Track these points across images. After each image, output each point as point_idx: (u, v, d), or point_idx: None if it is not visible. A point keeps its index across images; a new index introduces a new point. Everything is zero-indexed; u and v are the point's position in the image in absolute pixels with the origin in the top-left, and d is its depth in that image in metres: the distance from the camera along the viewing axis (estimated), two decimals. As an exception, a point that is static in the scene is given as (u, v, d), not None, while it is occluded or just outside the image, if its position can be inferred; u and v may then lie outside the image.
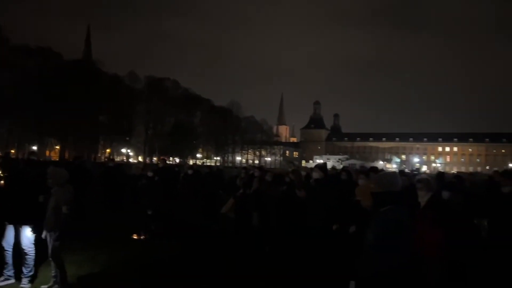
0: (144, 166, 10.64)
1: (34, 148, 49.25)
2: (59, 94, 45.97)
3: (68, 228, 5.36)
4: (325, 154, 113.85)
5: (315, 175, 6.09)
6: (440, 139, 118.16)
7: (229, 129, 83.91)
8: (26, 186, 5.59)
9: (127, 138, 66.46)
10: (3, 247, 5.57)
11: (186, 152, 74.13)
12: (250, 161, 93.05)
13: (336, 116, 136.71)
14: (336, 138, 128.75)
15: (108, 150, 68.97)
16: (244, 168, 9.79)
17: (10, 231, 5.58)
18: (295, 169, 7.97)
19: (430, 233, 3.99)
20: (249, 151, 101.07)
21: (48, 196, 5.40)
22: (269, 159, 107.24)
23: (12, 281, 5.54)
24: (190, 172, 10.06)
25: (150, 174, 8.98)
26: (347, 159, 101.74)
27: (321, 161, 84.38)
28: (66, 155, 53.45)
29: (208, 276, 6.06)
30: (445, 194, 5.77)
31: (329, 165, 13.54)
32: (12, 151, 43.20)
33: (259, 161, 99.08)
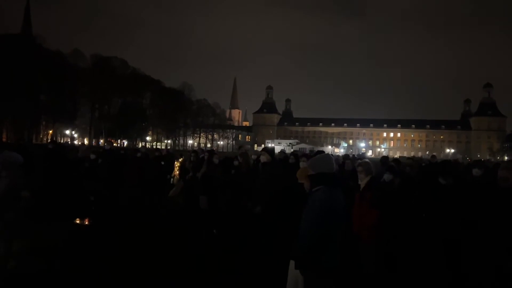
0: (86, 148, 10.21)
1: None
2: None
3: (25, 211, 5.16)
4: (277, 138, 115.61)
5: (263, 158, 6.14)
6: (385, 125, 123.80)
7: (181, 111, 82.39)
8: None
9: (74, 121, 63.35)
10: None
11: (135, 134, 71.99)
12: (202, 145, 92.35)
13: (287, 101, 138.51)
14: (287, 123, 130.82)
15: (50, 132, 65.34)
16: (194, 151, 9.67)
17: None
18: (243, 151, 7.98)
19: (366, 215, 4.20)
20: (201, 134, 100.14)
21: None
22: (221, 142, 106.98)
23: None
24: (138, 155, 9.80)
25: (93, 156, 8.64)
26: (298, 143, 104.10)
27: (272, 145, 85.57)
28: (4, 136, 49.94)
29: (152, 260, 5.99)
30: (387, 177, 6.08)
31: (281, 149, 13.81)
32: None
33: (211, 144, 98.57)
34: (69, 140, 68.56)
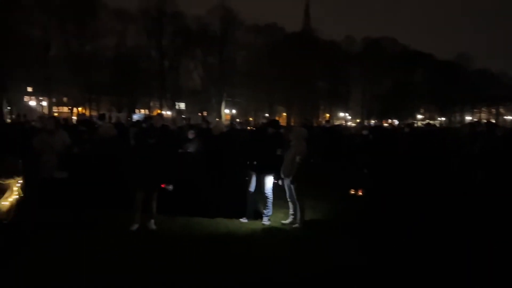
0: (360, 126, 11.02)
1: (266, 115, 56.49)
2: (284, 66, 50.97)
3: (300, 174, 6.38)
4: None
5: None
6: None
7: (456, 85, 74.54)
8: (267, 142, 6.88)
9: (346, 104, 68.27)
10: (249, 192, 6.97)
11: (405, 113, 70.45)
12: (484, 121, 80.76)
13: None
14: None
15: (327, 115, 72.50)
16: (470, 124, 8.89)
17: (254, 179, 6.94)
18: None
19: None
20: (482, 109, 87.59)
21: (285, 149, 6.63)
22: (510, 117, 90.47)
23: (252, 220, 6.91)
24: (406, 130, 9.88)
25: (365, 132, 9.30)
26: None
27: None
28: (292, 120, 59.09)
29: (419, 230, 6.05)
30: None
31: None
32: (251, 118, 50.79)
33: (496, 120, 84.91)
34: (343, 121, 74.07)
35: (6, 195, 4.19)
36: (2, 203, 4.19)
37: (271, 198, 6.76)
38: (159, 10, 45.94)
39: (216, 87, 50.48)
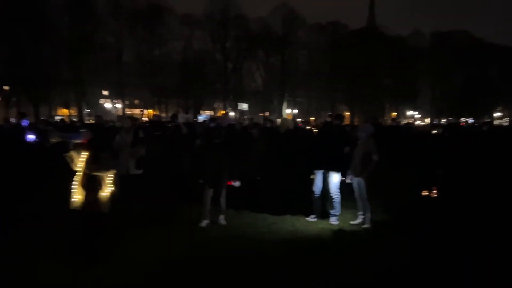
0: (433, 124, 10.46)
1: (329, 114, 55.53)
2: (346, 63, 49.83)
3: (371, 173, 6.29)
4: None
5: None
6: None
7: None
8: (333, 139, 6.77)
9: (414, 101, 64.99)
10: (313, 192, 6.89)
11: (480, 111, 65.38)
12: None
13: None
14: None
15: (393, 114, 69.47)
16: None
17: (319, 178, 6.84)
18: None
19: None
20: None
21: (352, 147, 6.49)
22: None
23: (319, 219, 6.81)
24: (485, 128, 9.21)
25: (439, 130, 8.80)
26: None
27: None
28: (356, 119, 57.55)
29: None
30: None
31: None
32: (312, 118, 50.27)
33: None
34: (411, 120, 70.50)
35: (104, 187, 4.58)
36: (103, 194, 4.57)
37: (338, 198, 6.63)
38: (223, 14, 47.08)
39: (278, 88, 50.71)
